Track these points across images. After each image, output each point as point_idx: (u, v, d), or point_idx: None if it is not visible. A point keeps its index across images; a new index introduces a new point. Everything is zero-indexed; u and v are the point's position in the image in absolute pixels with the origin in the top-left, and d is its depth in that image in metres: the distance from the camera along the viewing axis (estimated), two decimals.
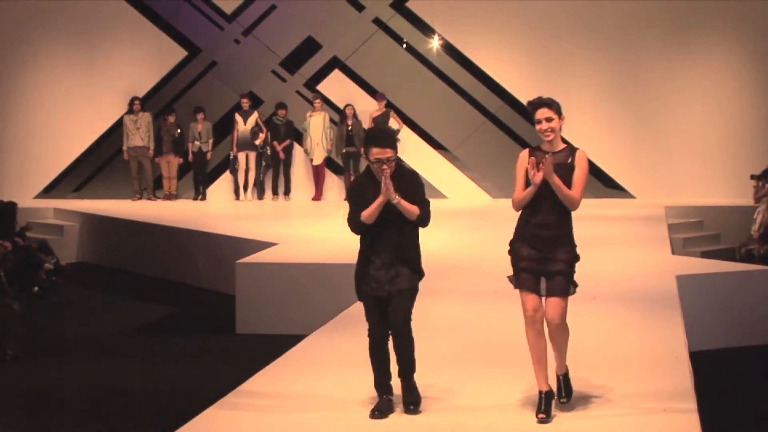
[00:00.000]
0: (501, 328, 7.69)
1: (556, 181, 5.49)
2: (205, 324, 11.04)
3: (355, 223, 5.72)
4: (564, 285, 5.57)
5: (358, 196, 5.73)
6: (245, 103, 17.97)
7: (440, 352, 7.17)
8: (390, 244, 5.66)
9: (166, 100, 18.61)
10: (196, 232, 13.41)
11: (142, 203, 17.88)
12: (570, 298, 5.65)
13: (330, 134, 17.89)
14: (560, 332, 5.63)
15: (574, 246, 5.65)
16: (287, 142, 18.11)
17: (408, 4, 18.13)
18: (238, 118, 18.01)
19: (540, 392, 5.61)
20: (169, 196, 18.22)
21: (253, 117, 17.99)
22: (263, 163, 18.08)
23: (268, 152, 18.04)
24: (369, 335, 5.75)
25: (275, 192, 18.27)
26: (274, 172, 18.26)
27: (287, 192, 18.29)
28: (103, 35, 18.62)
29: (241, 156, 18.02)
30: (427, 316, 8.24)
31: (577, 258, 5.65)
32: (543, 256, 5.57)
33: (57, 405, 7.83)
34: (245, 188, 18.16)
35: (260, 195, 18.21)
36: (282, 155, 18.08)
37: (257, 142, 17.91)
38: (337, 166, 18.19)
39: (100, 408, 7.71)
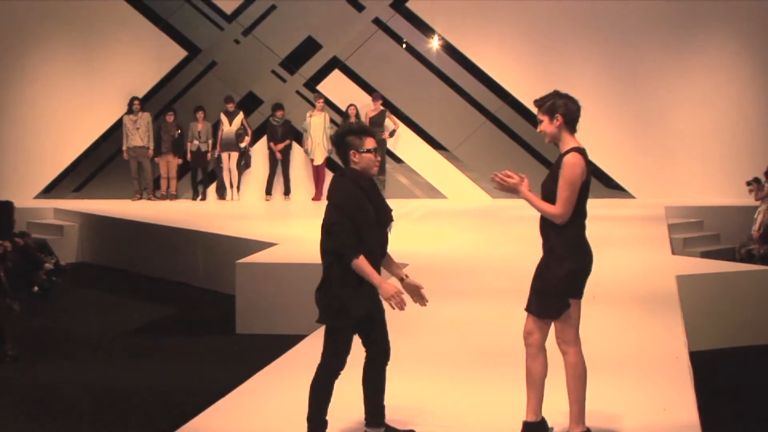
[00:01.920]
0: (501, 329, 7.68)
1: (527, 195, 5.09)
2: (205, 324, 11.05)
3: (355, 245, 4.95)
4: (534, 304, 5.14)
5: (361, 206, 4.99)
6: (230, 106, 17.97)
7: (440, 353, 7.17)
8: (378, 264, 5.10)
9: (165, 100, 18.61)
10: (196, 232, 13.41)
11: (142, 203, 17.89)
12: None
13: (330, 134, 17.89)
14: (567, 362, 5.17)
15: (562, 260, 5.10)
16: (287, 141, 18.11)
17: (408, 4, 18.13)
18: (223, 118, 18.02)
19: (523, 423, 5.24)
20: (169, 196, 18.23)
21: (239, 118, 18.01)
22: (242, 162, 18.13)
23: (250, 153, 18.12)
24: (335, 370, 5.06)
25: (269, 192, 18.27)
26: (270, 173, 18.26)
27: (287, 192, 18.30)
28: (103, 35, 18.63)
29: (224, 156, 18.10)
30: (426, 317, 8.24)
31: (564, 273, 5.08)
32: (536, 271, 5.20)
33: (57, 405, 7.82)
34: (231, 187, 18.19)
35: (225, 194, 18.22)
36: (279, 156, 18.08)
37: (242, 144, 17.95)
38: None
39: (100, 408, 7.70)
